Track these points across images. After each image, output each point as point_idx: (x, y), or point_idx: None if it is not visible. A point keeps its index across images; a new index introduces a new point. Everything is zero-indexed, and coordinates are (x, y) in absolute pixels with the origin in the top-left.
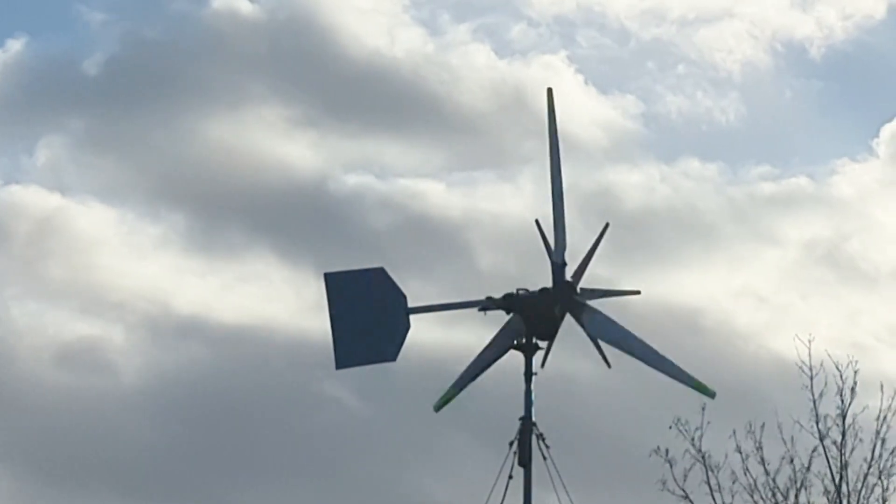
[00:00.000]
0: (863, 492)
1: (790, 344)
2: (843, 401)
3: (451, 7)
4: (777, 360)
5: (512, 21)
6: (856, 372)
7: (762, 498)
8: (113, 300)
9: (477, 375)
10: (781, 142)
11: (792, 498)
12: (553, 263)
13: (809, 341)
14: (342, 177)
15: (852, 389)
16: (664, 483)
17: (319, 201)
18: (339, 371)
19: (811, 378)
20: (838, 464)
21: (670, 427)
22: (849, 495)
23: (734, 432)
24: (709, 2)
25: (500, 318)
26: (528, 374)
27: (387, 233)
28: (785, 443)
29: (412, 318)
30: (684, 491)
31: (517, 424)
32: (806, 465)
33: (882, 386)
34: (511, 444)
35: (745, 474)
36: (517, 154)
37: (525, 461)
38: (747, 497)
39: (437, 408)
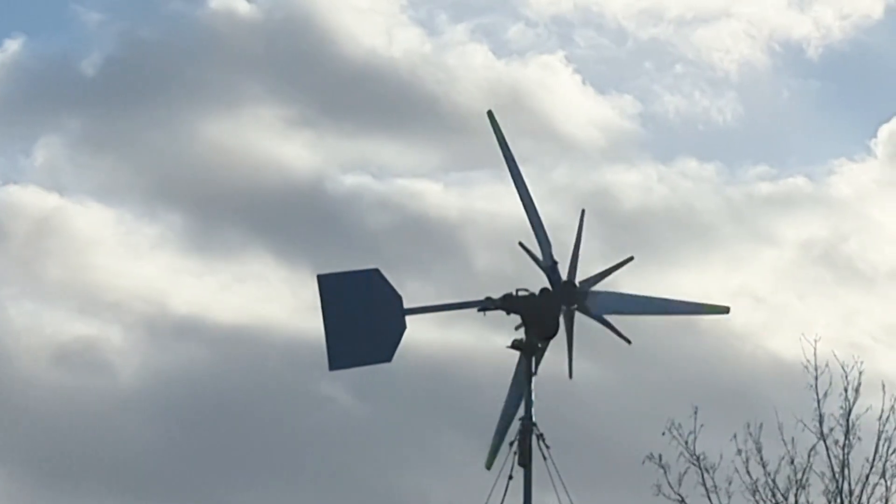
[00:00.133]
0: (864, 492)
1: (788, 344)
2: (847, 401)
3: (449, 7)
4: (775, 361)
5: (509, 21)
6: (861, 373)
7: (762, 499)
8: (110, 300)
9: (510, 420)
10: (779, 142)
11: (792, 499)
12: (545, 270)
13: (816, 341)
14: (339, 177)
15: (856, 389)
16: (659, 488)
17: (316, 201)
18: (338, 371)
19: (816, 378)
20: (840, 464)
21: (664, 433)
22: (850, 495)
23: (735, 436)
24: (706, 2)
25: (500, 318)
26: (529, 374)
27: (384, 233)
28: (785, 444)
29: (409, 318)
30: (679, 496)
31: (517, 424)
32: (805, 465)
33: (884, 385)
34: (511, 444)
35: (748, 474)
36: (514, 154)
37: (525, 461)
38: (746, 497)
39: (489, 465)
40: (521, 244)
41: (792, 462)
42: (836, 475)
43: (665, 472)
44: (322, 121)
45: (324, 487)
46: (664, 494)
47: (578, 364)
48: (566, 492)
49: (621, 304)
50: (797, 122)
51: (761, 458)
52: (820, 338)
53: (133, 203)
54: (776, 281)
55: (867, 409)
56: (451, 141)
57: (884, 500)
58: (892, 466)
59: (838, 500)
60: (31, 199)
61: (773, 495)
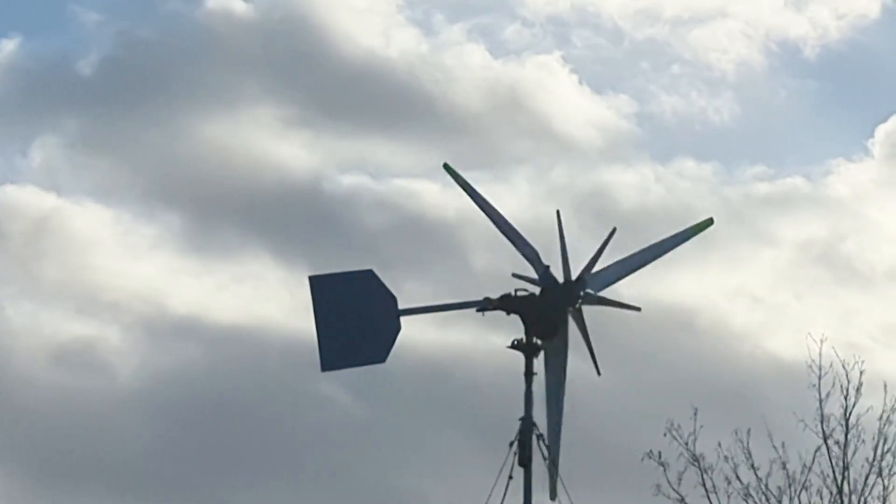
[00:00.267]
0: (864, 491)
1: (786, 344)
2: (847, 401)
3: (446, 7)
4: (773, 360)
5: (506, 21)
6: (861, 372)
7: (756, 502)
8: (108, 300)
9: (558, 439)
10: (776, 142)
11: (786, 501)
12: (540, 277)
13: (822, 341)
14: (337, 177)
15: (857, 389)
16: (658, 487)
17: (314, 201)
18: (337, 371)
19: (819, 378)
20: (840, 464)
21: (665, 434)
22: (850, 495)
23: (720, 444)
24: (703, 1)
25: (498, 318)
26: (529, 374)
27: (382, 233)
28: (776, 449)
29: (405, 319)
30: (679, 494)
31: (517, 424)
32: (804, 465)
33: (885, 385)
34: (511, 444)
35: (737, 479)
36: (512, 154)
37: (525, 461)
38: (743, 499)
39: (553, 495)
40: (514, 275)
41: (784, 467)
42: (837, 475)
43: (665, 470)
44: (320, 121)
45: (322, 487)
46: (664, 494)
47: (578, 364)
48: (566, 492)
49: (620, 270)
50: (794, 122)
51: (752, 465)
52: (826, 337)
53: (131, 203)
54: (774, 281)
55: (868, 409)
56: (448, 141)
57: (882, 500)
58: (886, 466)
59: (839, 501)
60: (29, 199)
61: (767, 500)
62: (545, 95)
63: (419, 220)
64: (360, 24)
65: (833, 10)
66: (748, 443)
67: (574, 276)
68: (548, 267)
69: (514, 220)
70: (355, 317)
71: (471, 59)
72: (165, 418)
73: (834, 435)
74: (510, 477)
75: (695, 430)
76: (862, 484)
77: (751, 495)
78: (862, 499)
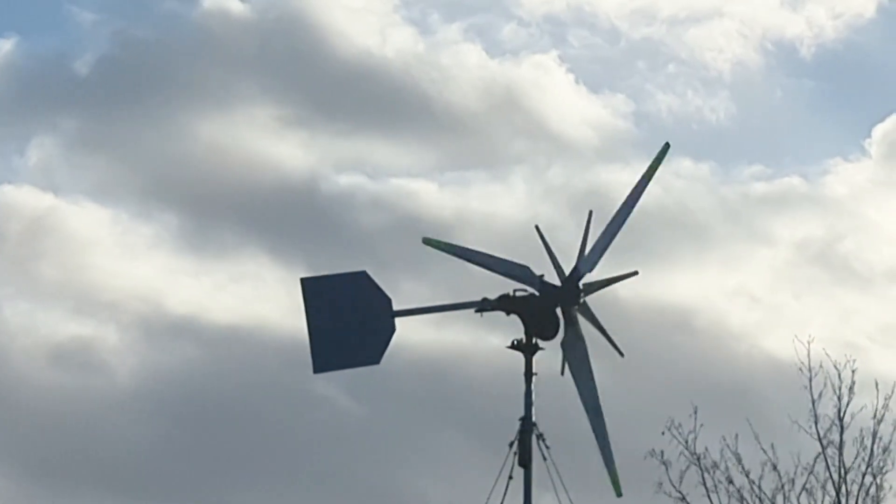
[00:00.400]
0: (860, 492)
1: (784, 344)
2: (840, 401)
3: (442, 7)
4: (770, 360)
5: (502, 21)
6: (853, 371)
7: None
8: (106, 300)
9: (606, 438)
10: (773, 141)
11: (780, 501)
12: (538, 290)
13: (809, 342)
14: (334, 177)
15: (850, 389)
16: (660, 485)
17: (311, 201)
18: (336, 372)
19: (810, 379)
20: (837, 465)
21: (663, 433)
22: (847, 496)
23: (707, 449)
24: (699, 1)
25: (497, 319)
26: (529, 374)
27: (378, 233)
28: (765, 451)
29: (403, 320)
30: (681, 493)
31: (517, 424)
32: (800, 467)
33: (877, 384)
34: (511, 444)
35: (730, 483)
36: (509, 153)
37: (525, 461)
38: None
39: (618, 492)
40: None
41: (775, 468)
42: (833, 475)
43: (666, 469)
44: (316, 120)
45: (321, 487)
46: (665, 492)
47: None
48: (566, 492)
49: (604, 241)
50: (791, 121)
51: (742, 468)
52: (813, 339)
53: (128, 203)
54: (772, 281)
55: (861, 409)
56: (445, 140)
57: (875, 500)
58: (882, 466)
59: (837, 501)
60: (26, 198)
61: (761, 501)
62: (541, 95)
63: (416, 220)
64: (356, 24)
65: (829, 10)
66: (737, 447)
67: (567, 273)
68: (542, 276)
69: (512, 219)
70: (348, 318)
71: (467, 58)
72: (163, 418)
73: (829, 435)
74: (510, 477)
75: (695, 429)
76: (859, 485)
77: (745, 498)
78: (858, 499)
